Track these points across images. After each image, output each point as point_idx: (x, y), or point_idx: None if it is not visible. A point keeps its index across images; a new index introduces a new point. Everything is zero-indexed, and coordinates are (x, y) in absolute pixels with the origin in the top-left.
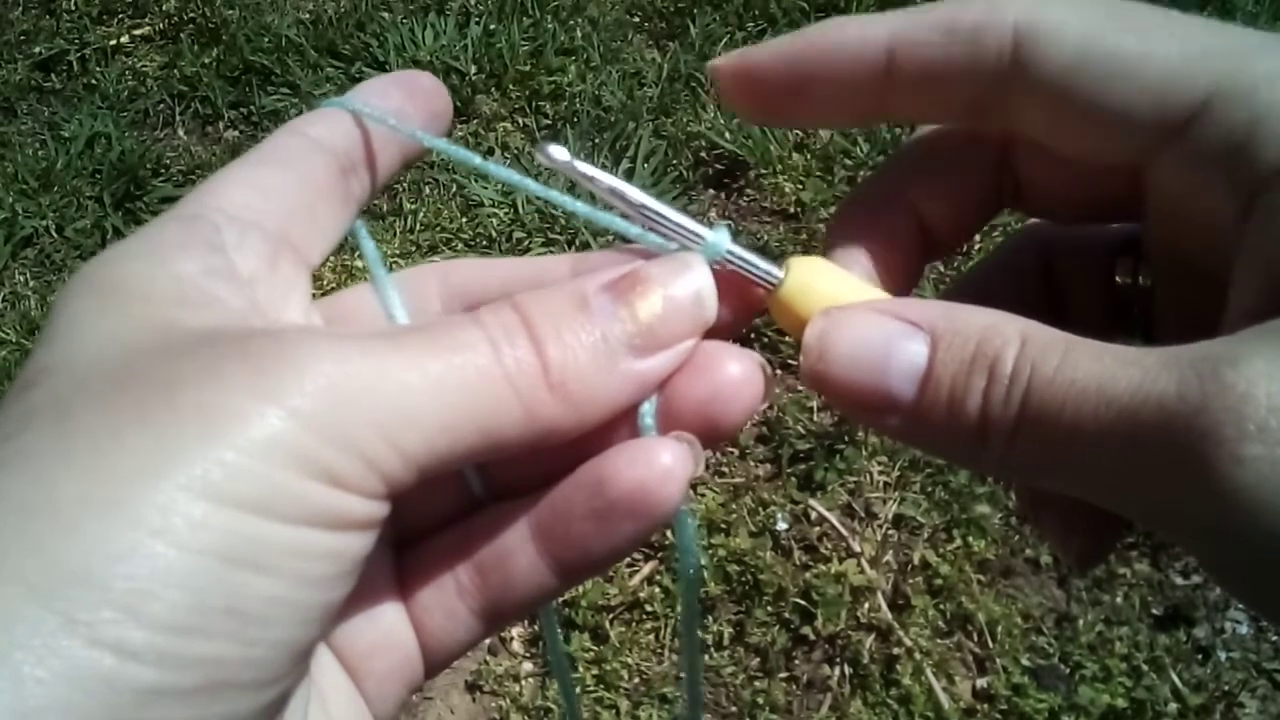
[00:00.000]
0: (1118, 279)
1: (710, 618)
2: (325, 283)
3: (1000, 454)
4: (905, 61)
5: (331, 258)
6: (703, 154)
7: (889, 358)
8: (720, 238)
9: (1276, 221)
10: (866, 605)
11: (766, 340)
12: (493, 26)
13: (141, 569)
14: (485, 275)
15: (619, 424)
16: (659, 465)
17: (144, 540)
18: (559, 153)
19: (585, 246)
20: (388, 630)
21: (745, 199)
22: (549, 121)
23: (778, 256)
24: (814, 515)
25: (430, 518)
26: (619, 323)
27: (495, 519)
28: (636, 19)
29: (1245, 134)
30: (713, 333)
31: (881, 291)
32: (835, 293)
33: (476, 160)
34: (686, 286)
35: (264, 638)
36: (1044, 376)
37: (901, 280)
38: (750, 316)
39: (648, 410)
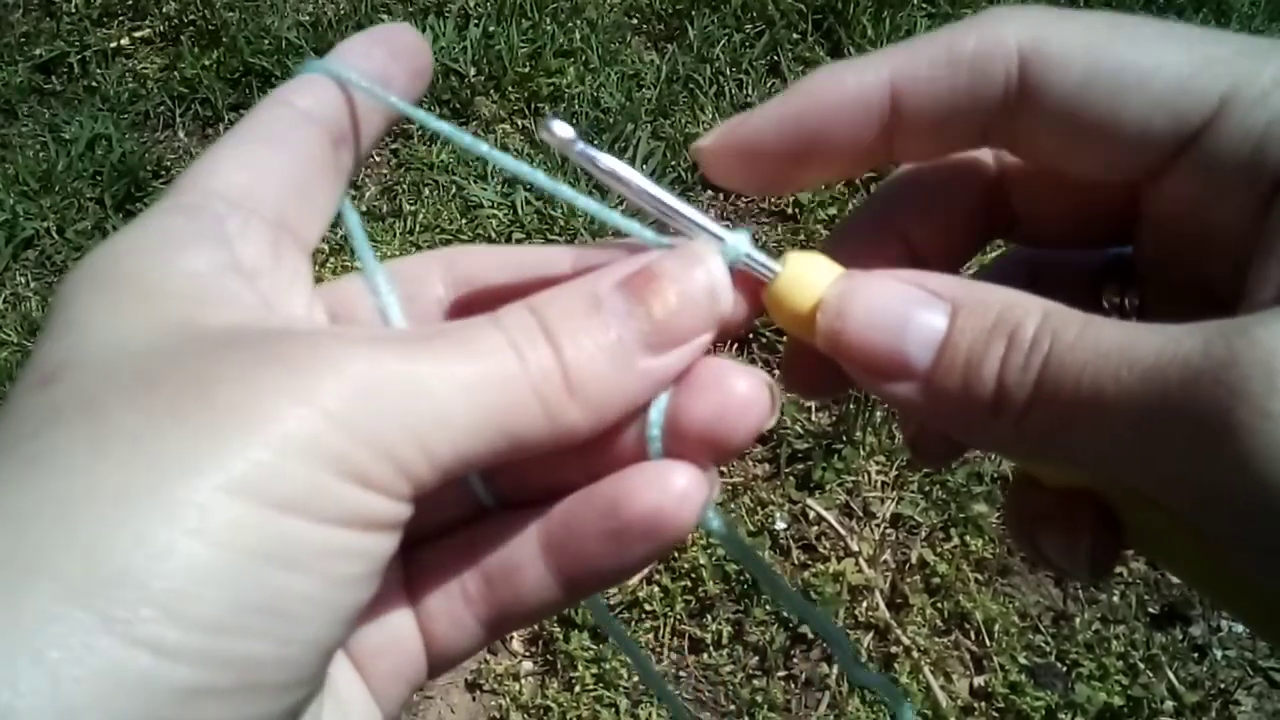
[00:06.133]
0: (1105, 303)
1: (709, 616)
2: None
3: (1013, 424)
4: (910, 101)
5: (329, 234)
6: None
7: (907, 322)
8: (739, 239)
9: None
10: (864, 604)
11: (765, 340)
12: (492, 29)
13: (179, 568)
14: (489, 263)
15: (628, 426)
16: (675, 489)
17: (182, 539)
18: (563, 129)
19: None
20: (395, 632)
21: (743, 199)
22: None
23: (775, 256)
24: (812, 515)
25: (439, 521)
26: (634, 320)
27: (504, 530)
28: (635, 21)
29: (1262, 135)
30: (722, 329)
31: None
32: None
33: (484, 148)
34: (701, 281)
35: (297, 637)
36: (1065, 343)
37: None
38: (760, 311)
39: (656, 420)
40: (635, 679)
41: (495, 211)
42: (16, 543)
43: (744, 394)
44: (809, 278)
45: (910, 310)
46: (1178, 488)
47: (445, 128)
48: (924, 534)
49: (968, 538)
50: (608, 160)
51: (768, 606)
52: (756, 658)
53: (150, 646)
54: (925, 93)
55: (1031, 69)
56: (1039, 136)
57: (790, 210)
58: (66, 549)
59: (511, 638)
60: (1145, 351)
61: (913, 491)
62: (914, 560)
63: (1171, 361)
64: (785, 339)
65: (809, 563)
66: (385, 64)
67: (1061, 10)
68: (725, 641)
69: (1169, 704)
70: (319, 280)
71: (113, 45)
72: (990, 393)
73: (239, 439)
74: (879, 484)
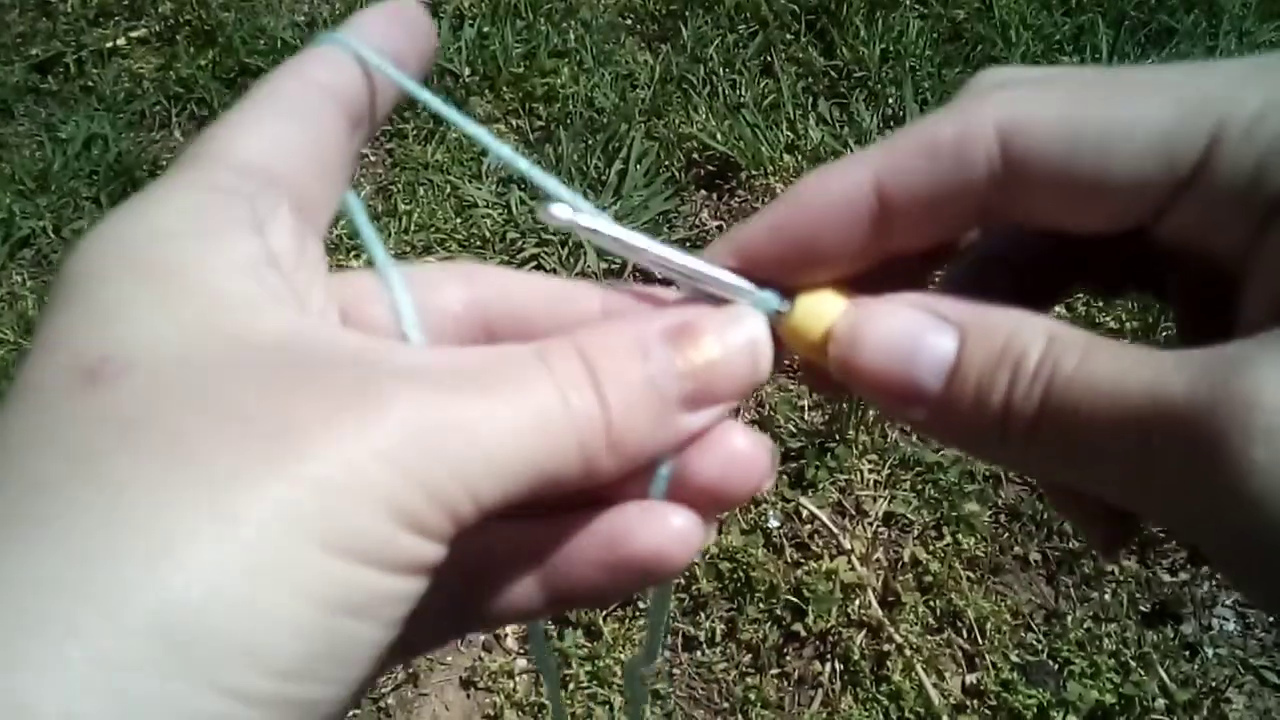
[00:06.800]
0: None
1: (702, 614)
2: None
3: (1020, 447)
4: (897, 196)
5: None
6: (694, 155)
7: (918, 350)
8: (769, 299)
9: None
10: (857, 602)
11: None
12: (486, 29)
13: (261, 616)
14: (512, 289)
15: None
16: (676, 532)
17: (264, 588)
18: (562, 211)
19: (578, 247)
20: None
21: (737, 200)
22: (542, 123)
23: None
24: (805, 513)
25: None
26: (679, 381)
27: (496, 540)
28: (629, 21)
29: (1254, 169)
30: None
31: None
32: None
33: (491, 140)
34: (746, 346)
35: (349, 679)
36: (1064, 373)
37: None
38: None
39: (664, 465)
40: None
41: (490, 211)
42: (106, 577)
43: (747, 455)
44: (822, 309)
45: (919, 337)
46: (1173, 517)
47: (453, 114)
48: (916, 532)
49: (960, 536)
50: (620, 231)
51: (761, 605)
52: (749, 655)
53: (228, 692)
54: (910, 186)
55: (1014, 148)
56: (1033, 208)
57: None
58: (154, 590)
59: (505, 635)
60: (1135, 387)
61: (905, 490)
62: (906, 558)
63: (1157, 400)
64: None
65: (802, 561)
66: (401, 43)
67: (1038, 79)
68: (718, 639)
69: (1160, 702)
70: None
71: (109, 45)
72: (998, 417)
73: (321, 489)
74: (871, 483)
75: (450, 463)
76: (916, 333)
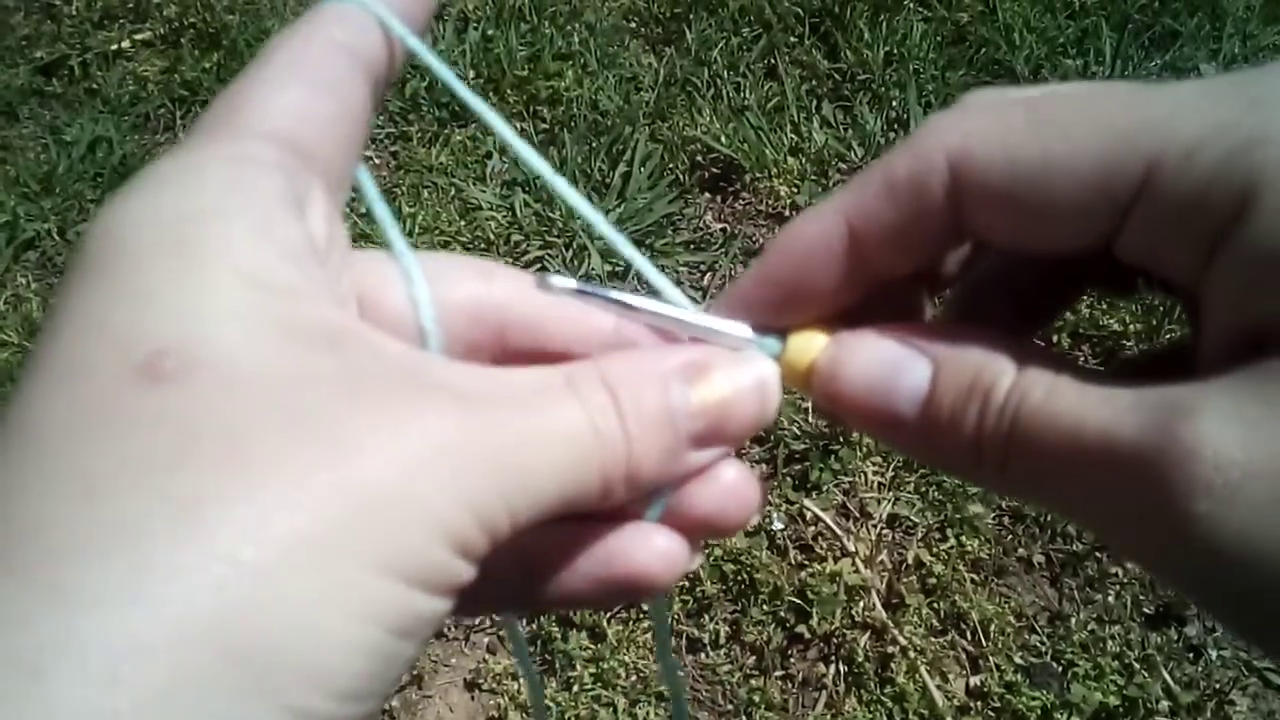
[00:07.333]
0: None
1: (706, 616)
2: None
3: (995, 473)
4: (866, 233)
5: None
6: (698, 158)
7: (895, 380)
8: (771, 346)
9: (1233, 274)
10: (861, 604)
11: None
12: (491, 32)
13: (331, 643)
14: (530, 296)
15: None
16: (664, 554)
17: (333, 611)
18: (562, 282)
19: (583, 250)
20: None
21: (741, 202)
22: (546, 126)
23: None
24: (809, 515)
25: None
26: (692, 421)
27: None
28: (633, 24)
29: (1193, 197)
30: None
31: None
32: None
33: (510, 134)
34: (755, 388)
35: (385, 695)
36: (1029, 407)
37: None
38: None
39: (663, 493)
40: (633, 679)
41: (494, 214)
42: (175, 594)
43: (738, 489)
44: (808, 345)
45: (896, 368)
46: (1132, 552)
47: (472, 97)
48: (920, 534)
49: (964, 538)
50: (622, 295)
51: (765, 607)
52: (753, 657)
53: (293, 712)
54: (876, 222)
55: (962, 178)
56: (991, 231)
57: (788, 213)
58: (224, 610)
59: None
60: (1092, 425)
61: (909, 492)
62: (910, 560)
63: (1109, 442)
64: None
65: (806, 563)
66: (412, 4)
67: (992, 109)
68: (722, 641)
69: (1164, 704)
70: None
71: (113, 48)
72: (971, 445)
73: (377, 515)
74: (875, 485)
75: (496, 484)
76: (893, 364)
